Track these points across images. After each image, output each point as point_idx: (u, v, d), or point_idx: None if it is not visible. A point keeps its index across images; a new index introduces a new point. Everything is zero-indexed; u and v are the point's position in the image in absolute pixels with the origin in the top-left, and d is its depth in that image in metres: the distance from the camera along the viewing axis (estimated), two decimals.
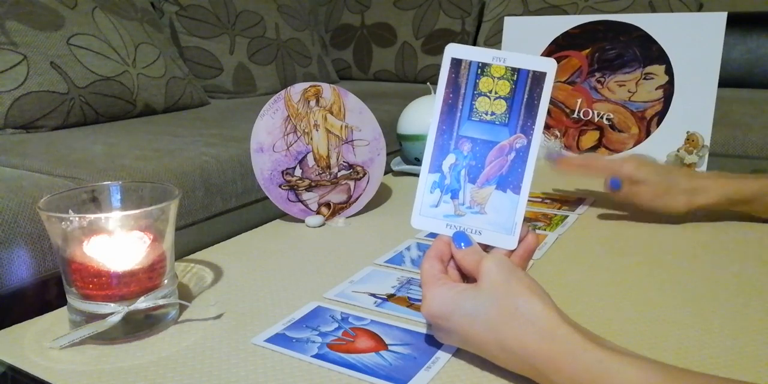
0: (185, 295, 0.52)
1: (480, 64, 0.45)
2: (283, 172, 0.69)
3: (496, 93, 0.44)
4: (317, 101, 0.70)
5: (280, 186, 0.69)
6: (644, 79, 0.94)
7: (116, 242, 0.43)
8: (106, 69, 1.22)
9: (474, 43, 2.02)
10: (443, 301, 0.39)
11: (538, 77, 0.43)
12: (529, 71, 0.44)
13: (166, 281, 0.46)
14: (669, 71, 0.92)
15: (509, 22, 1.04)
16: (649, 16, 0.94)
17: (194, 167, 0.91)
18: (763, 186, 0.63)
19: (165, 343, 0.44)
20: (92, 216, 0.44)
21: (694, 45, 0.90)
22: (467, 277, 0.43)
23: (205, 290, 0.53)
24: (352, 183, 0.73)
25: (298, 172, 0.69)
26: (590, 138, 1.00)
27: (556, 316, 0.36)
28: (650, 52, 0.93)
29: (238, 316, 0.48)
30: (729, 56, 1.62)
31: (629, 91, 0.95)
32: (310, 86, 0.70)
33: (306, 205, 0.71)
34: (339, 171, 0.71)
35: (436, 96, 0.46)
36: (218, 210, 0.94)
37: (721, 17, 0.88)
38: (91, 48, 1.21)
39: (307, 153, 0.69)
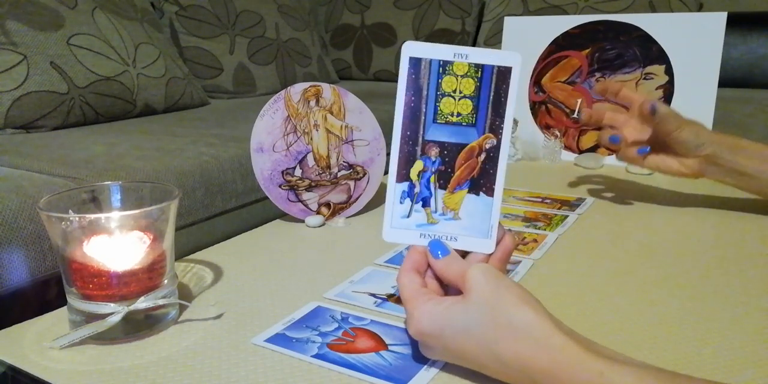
0: (185, 295, 0.52)
1: (441, 63, 0.42)
2: (283, 172, 0.68)
3: (460, 92, 0.42)
4: (317, 101, 0.70)
5: (280, 186, 0.69)
6: (644, 79, 0.94)
7: (116, 242, 0.43)
8: (106, 69, 1.23)
9: (474, 44, 2.02)
10: (433, 319, 0.38)
11: (504, 73, 0.42)
12: (493, 67, 0.42)
13: (166, 281, 0.46)
14: (669, 71, 0.92)
15: (509, 22, 1.04)
16: (649, 16, 0.94)
17: (194, 167, 0.91)
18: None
19: (165, 343, 0.44)
20: (92, 216, 0.44)
21: (694, 45, 0.90)
22: (447, 287, 0.42)
23: (205, 290, 0.53)
24: (352, 183, 0.72)
25: (298, 172, 0.69)
26: (590, 138, 1.00)
27: (551, 325, 0.35)
28: (650, 52, 0.93)
29: (238, 316, 0.48)
30: (729, 56, 1.62)
31: None
32: (310, 86, 0.70)
33: (306, 205, 0.70)
34: (339, 171, 0.71)
35: (396, 99, 0.43)
36: (218, 210, 0.94)
37: (721, 17, 0.88)
38: (91, 48, 1.21)
39: (307, 153, 0.69)
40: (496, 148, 0.42)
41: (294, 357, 0.42)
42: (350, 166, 0.72)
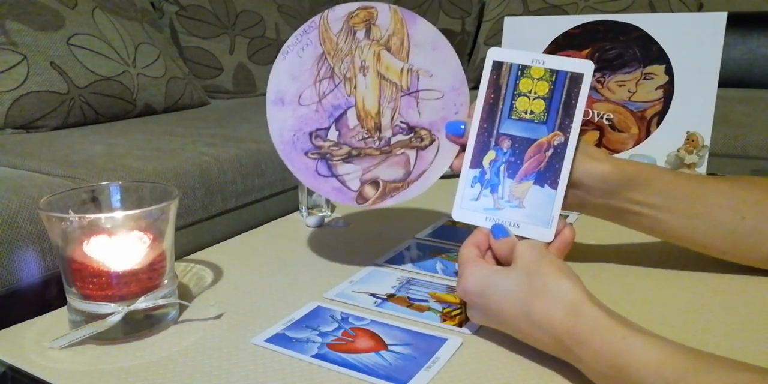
0: (185, 295, 0.52)
1: (520, 67, 0.47)
2: (311, 133, 0.51)
3: (535, 93, 0.47)
4: (368, 31, 0.51)
5: (306, 153, 0.51)
6: (644, 79, 0.94)
7: (116, 242, 0.43)
8: (106, 69, 1.22)
9: (474, 43, 2.02)
10: (478, 279, 0.42)
11: (576, 78, 0.46)
12: (567, 73, 0.46)
13: (166, 281, 0.46)
14: (669, 71, 0.92)
15: (509, 22, 1.04)
16: (649, 16, 0.94)
17: (194, 167, 0.91)
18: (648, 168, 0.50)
19: (165, 343, 0.44)
20: (92, 216, 0.44)
21: (694, 45, 0.90)
22: (503, 265, 0.45)
23: (205, 290, 0.53)
24: (412, 153, 0.52)
25: (333, 134, 0.51)
26: (590, 138, 1.00)
27: (584, 295, 0.38)
28: (650, 52, 0.93)
29: (238, 316, 0.48)
30: (729, 56, 1.62)
31: (629, 91, 0.95)
32: (358, 9, 0.50)
33: (343, 182, 0.51)
34: (394, 135, 0.52)
35: (477, 96, 0.48)
36: (218, 210, 0.94)
37: (721, 17, 0.88)
38: (91, 48, 1.21)
39: (348, 108, 0.51)
40: (563, 145, 0.46)
41: (294, 357, 0.42)
42: (411, 129, 0.51)
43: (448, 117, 0.51)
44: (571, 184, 0.47)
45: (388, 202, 0.52)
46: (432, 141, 0.52)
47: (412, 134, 0.52)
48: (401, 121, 0.52)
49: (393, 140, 0.52)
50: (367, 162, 0.52)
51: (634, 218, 0.50)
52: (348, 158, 0.52)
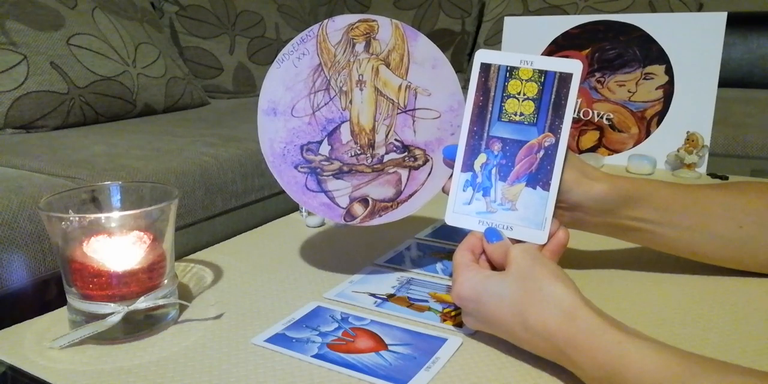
0: (185, 295, 0.52)
1: (508, 68, 0.47)
2: (303, 147, 0.50)
3: (524, 94, 0.46)
4: (368, 45, 0.49)
5: (296, 167, 0.50)
6: (644, 79, 0.94)
7: (116, 242, 0.43)
8: (106, 69, 1.22)
9: (474, 43, 2.02)
10: (472, 284, 0.41)
11: (565, 78, 0.45)
12: (555, 73, 0.46)
13: (166, 281, 0.46)
14: (669, 71, 0.92)
15: (509, 22, 1.04)
16: (649, 16, 0.94)
17: (194, 167, 0.91)
18: (654, 184, 0.49)
19: (165, 343, 0.44)
20: (92, 216, 0.44)
21: (694, 45, 0.90)
22: (497, 270, 0.45)
23: (205, 290, 0.53)
24: (404, 172, 0.51)
25: (325, 149, 0.50)
26: (590, 138, 1.00)
27: (578, 299, 0.38)
28: (650, 52, 0.93)
29: (238, 316, 0.48)
30: (729, 56, 1.62)
31: (629, 91, 0.95)
32: (358, 21, 0.49)
33: (332, 199, 0.50)
34: (387, 153, 0.51)
35: (467, 99, 0.47)
36: (218, 210, 0.94)
37: (721, 17, 0.88)
38: (91, 48, 1.21)
39: (342, 122, 0.50)
40: (554, 146, 0.45)
41: (294, 357, 0.42)
42: (405, 148, 0.51)
43: (444, 138, 0.51)
44: (570, 206, 0.47)
45: (376, 222, 0.52)
46: (425, 161, 0.51)
47: (406, 153, 0.51)
48: (396, 139, 0.51)
49: (386, 158, 0.51)
50: (357, 179, 0.51)
51: (633, 234, 0.50)
52: (338, 174, 0.51)
